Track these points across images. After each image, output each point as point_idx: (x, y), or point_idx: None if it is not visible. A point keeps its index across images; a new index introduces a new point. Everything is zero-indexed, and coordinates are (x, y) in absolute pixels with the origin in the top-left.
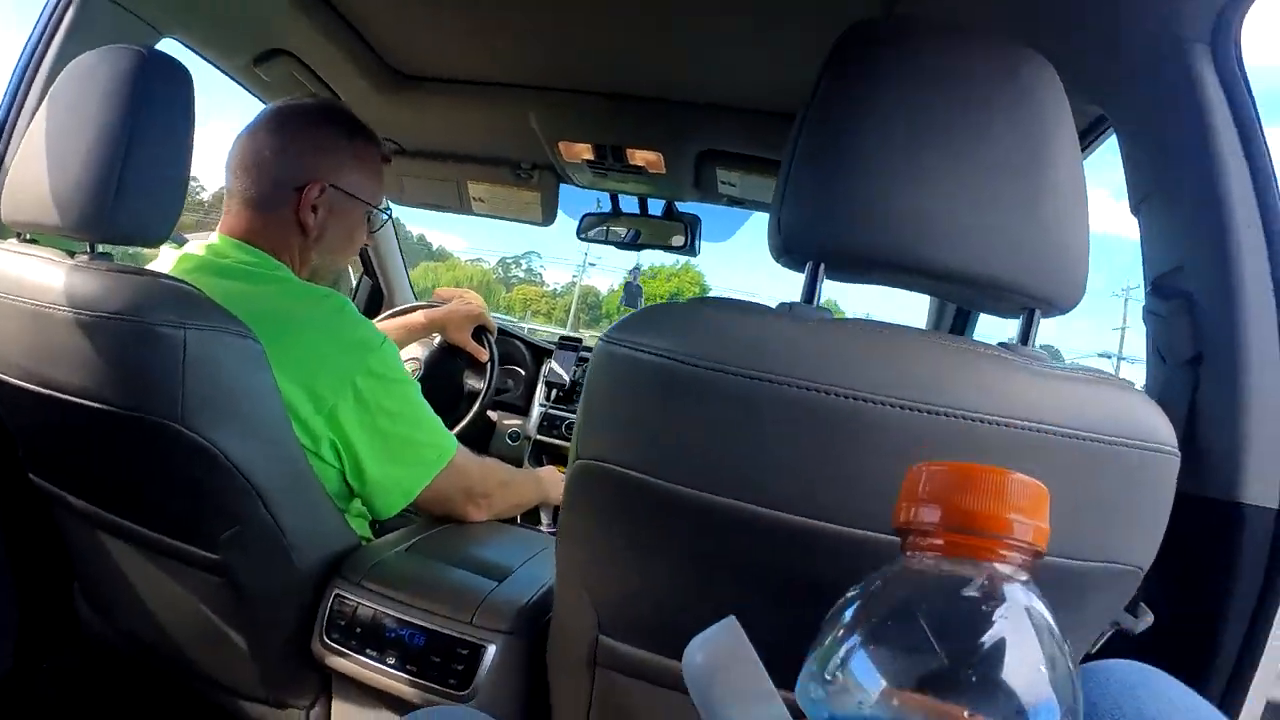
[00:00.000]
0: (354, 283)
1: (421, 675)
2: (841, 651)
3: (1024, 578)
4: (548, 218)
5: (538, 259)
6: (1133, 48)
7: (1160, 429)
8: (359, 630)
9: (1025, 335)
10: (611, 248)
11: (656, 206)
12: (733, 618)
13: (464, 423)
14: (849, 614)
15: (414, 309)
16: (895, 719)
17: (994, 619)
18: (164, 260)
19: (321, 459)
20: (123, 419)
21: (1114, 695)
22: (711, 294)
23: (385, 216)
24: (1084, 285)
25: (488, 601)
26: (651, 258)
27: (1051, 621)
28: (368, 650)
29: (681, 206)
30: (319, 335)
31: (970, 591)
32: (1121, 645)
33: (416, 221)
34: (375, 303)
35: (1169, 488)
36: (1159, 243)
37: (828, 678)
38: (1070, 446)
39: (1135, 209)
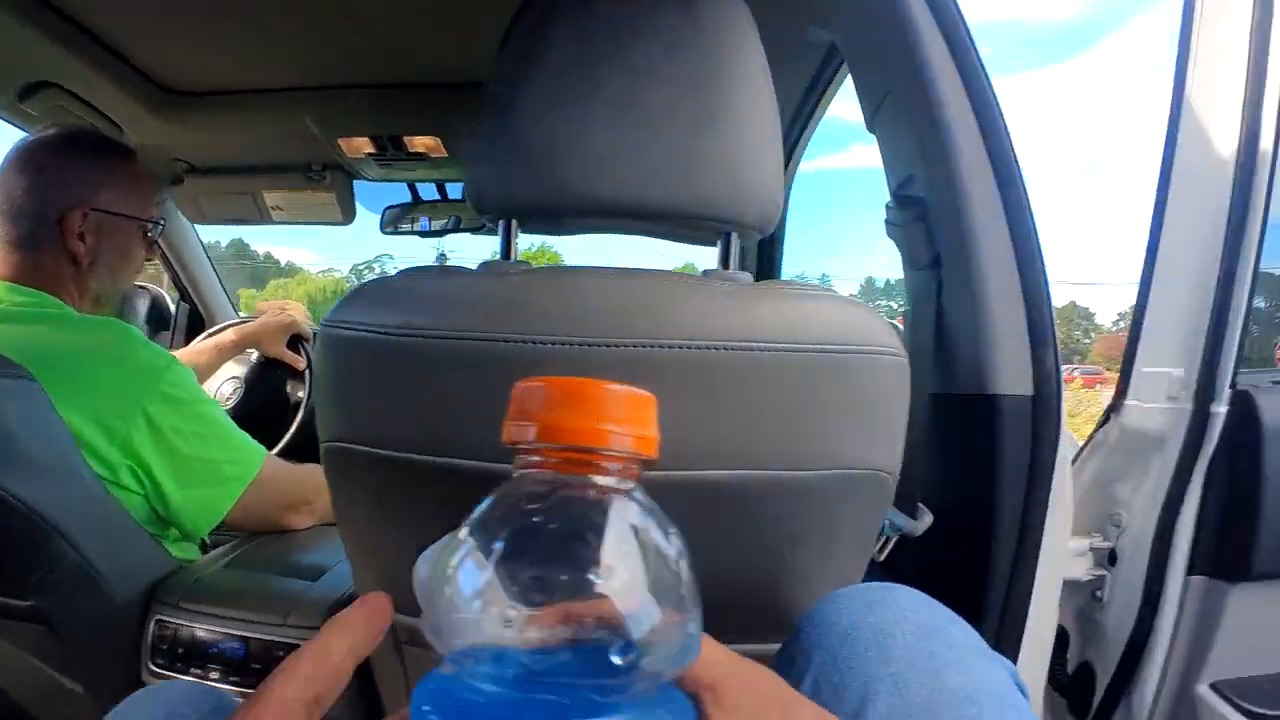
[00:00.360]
0: (173, 309)
1: (246, 685)
2: (453, 576)
3: (628, 486)
4: (347, 216)
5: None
6: None
7: (875, 332)
8: (181, 651)
9: (725, 259)
10: (463, 238)
11: (457, 190)
12: (453, 534)
13: (290, 433)
14: (461, 536)
15: (225, 328)
16: (505, 639)
17: (589, 531)
18: None
19: (123, 487)
20: None
21: (850, 616)
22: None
23: (160, 226)
24: (777, 205)
25: (301, 602)
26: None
27: (656, 528)
28: (192, 670)
29: None
30: (102, 365)
31: (567, 506)
32: (907, 547)
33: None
34: (196, 325)
35: (896, 389)
36: (892, 156)
37: (443, 606)
38: (779, 360)
39: (870, 127)
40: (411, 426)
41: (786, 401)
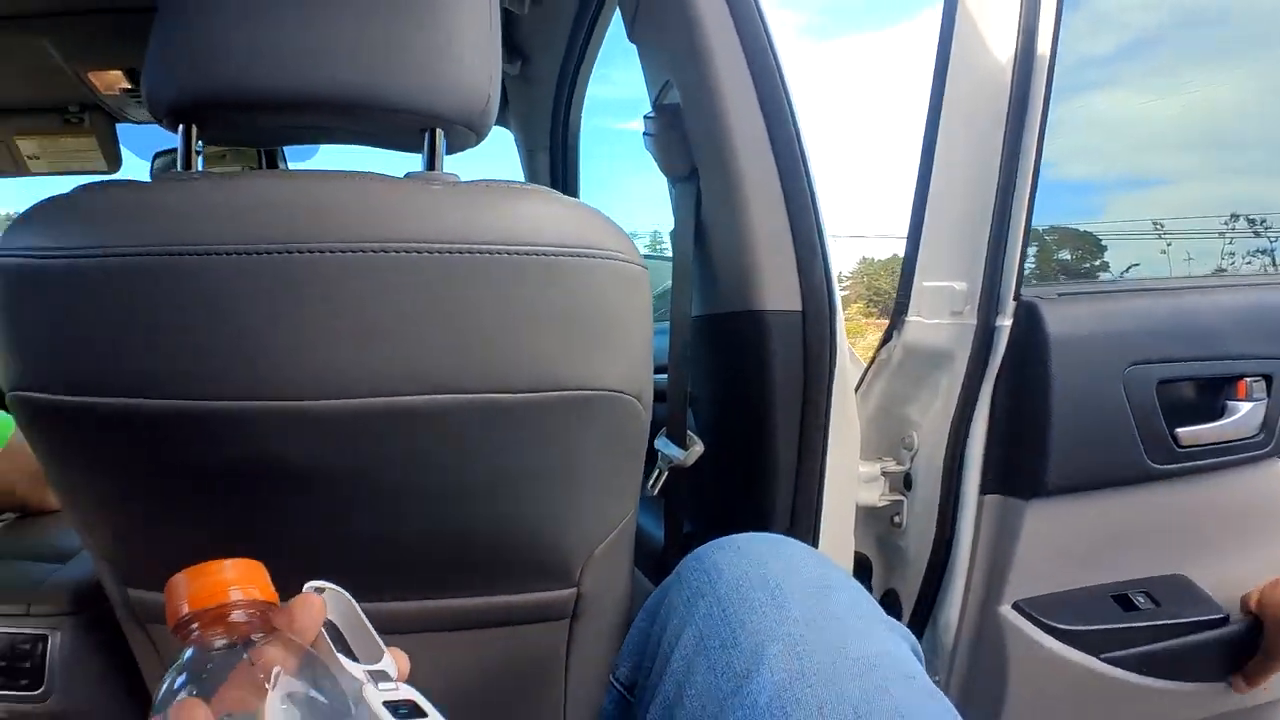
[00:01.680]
0: None
1: None
2: None
3: (259, 630)
4: (112, 164)
5: None
6: None
7: (603, 236)
8: None
9: (430, 160)
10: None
11: None
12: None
13: None
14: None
15: None
16: None
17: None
18: None
19: None
20: None
21: (742, 566)
22: None
23: None
24: (485, 97)
25: (45, 586)
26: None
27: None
28: None
29: None
30: None
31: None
32: (681, 478)
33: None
34: None
35: (632, 300)
36: (651, 64)
37: None
38: (481, 264)
39: (630, 36)
40: (82, 365)
41: (492, 313)
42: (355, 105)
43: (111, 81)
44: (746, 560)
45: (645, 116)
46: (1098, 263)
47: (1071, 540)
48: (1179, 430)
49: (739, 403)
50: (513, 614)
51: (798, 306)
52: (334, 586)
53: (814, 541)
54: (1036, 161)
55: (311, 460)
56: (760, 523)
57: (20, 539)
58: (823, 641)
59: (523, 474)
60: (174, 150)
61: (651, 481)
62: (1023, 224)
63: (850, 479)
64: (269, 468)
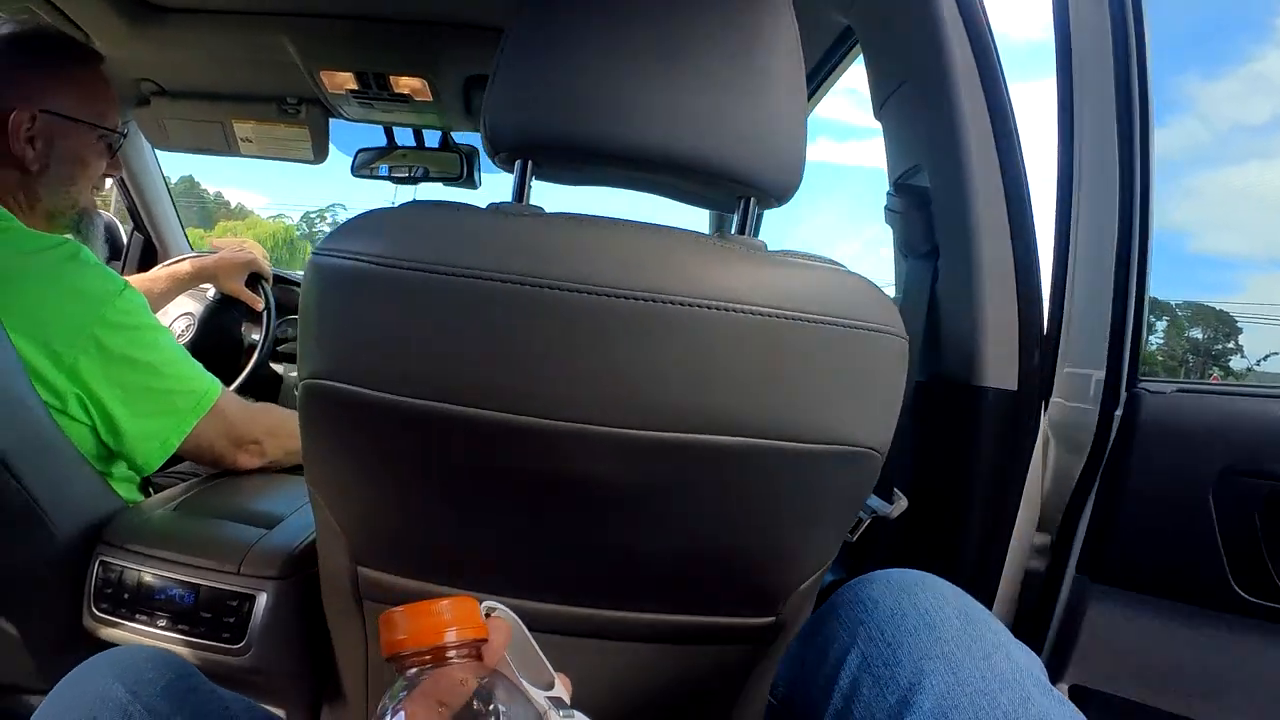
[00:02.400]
0: (125, 238)
1: (194, 634)
2: None
3: (478, 669)
4: (319, 155)
5: (343, 210)
6: None
7: (874, 309)
8: (127, 596)
9: (742, 224)
10: (421, 189)
11: (434, 139)
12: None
13: (243, 375)
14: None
15: (183, 260)
16: None
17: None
18: None
19: (70, 417)
20: None
21: (895, 594)
22: None
23: (122, 138)
24: (799, 173)
25: (255, 550)
26: (453, 196)
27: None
28: (138, 615)
29: (458, 137)
30: (50, 286)
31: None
32: (879, 530)
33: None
34: (149, 257)
35: (890, 368)
36: (898, 145)
37: None
38: (776, 327)
39: (877, 114)
40: (403, 366)
41: (790, 371)
42: (682, 166)
43: (340, 82)
44: (899, 591)
45: (889, 193)
46: (1230, 344)
47: (1138, 642)
48: None
49: (946, 466)
50: (708, 634)
51: (1014, 387)
52: (504, 608)
53: (990, 601)
54: (1143, 241)
55: (604, 479)
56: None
57: (227, 500)
58: (972, 659)
59: (775, 512)
60: (375, 148)
61: (854, 530)
62: (1133, 311)
63: (1025, 548)
64: (559, 481)
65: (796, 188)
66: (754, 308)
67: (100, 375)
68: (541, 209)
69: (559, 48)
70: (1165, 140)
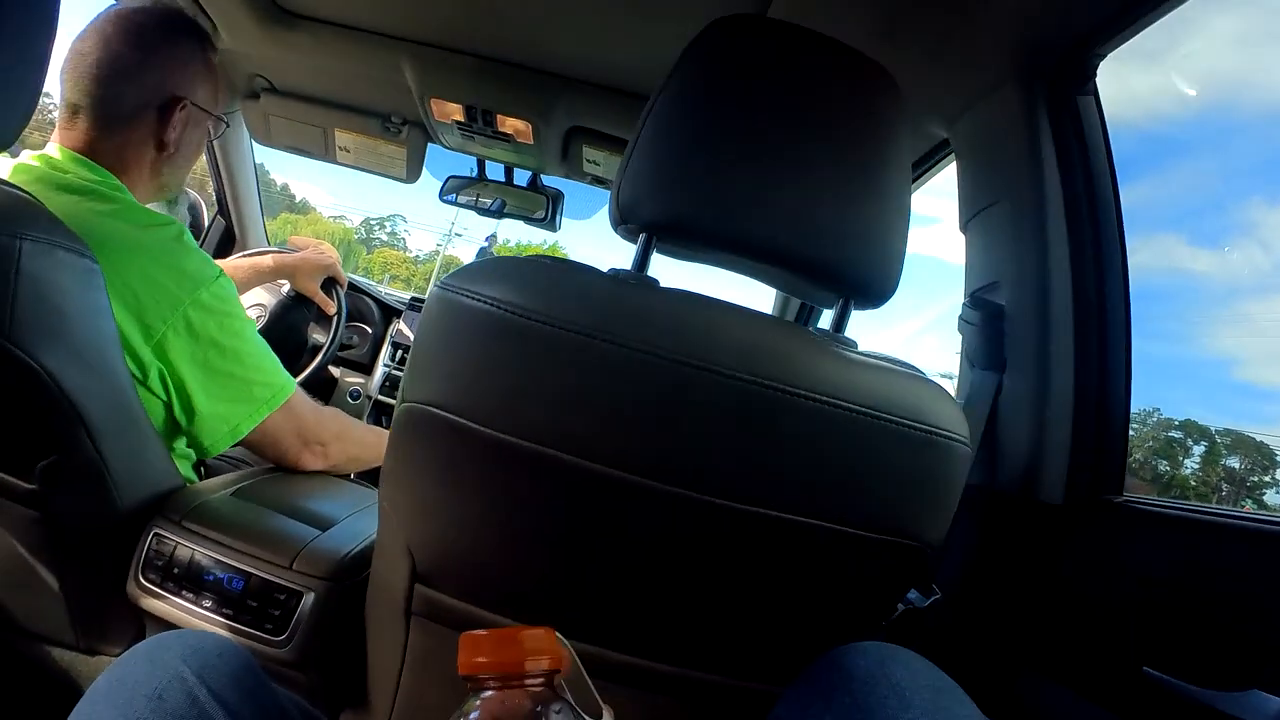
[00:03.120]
0: (207, 220)
1: (238, 619)
2: None
3: (549, 697)
4: (412, 175)
5: (402, 222)
6: (979, 81)
7: (951, 418)
8: (176, 571)
9: (839, 322)
10: (477, 217)
11: (522, 177)
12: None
13: (304, 375)
14: None
15: (265, 253)
16: None
17: None
18: None
19: (149, 389)
20: None
21: (868, 667)
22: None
23: (225, 125)
24: (896, 281)
25: (309, 549)
26: (519, 234)
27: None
28: (184, 592)
29: (546, 180)
30: (153, 262)
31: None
32: (912, 619)
33: (280, 169)
34: (226, 244)
35: (956, 474)
36: (980, 259)
37: None
38: (865, 424)
39: (963, 227)
40: (520, 409)
41: (875, 465)
42: (785, 261)
43: (448, 111)
44: (875, 662)
45: (965, 303)
46: (1266, 477)
47: None
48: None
49: (984, 570)
50: (736, 695)
51: (1060, 500)
52: (561, 637)
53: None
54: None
55: (684, 540)
56: (966, 681)
57: (284, 495)
58: None
59: (827, 590)
60: (464, 177)
61: (890, 616)
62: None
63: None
64: (641, 536)
65: (892, 294)
66: (847, 404)
67: (186, 354)
68: (657, 280)
69: (697, 137)
70: (1219, 264)
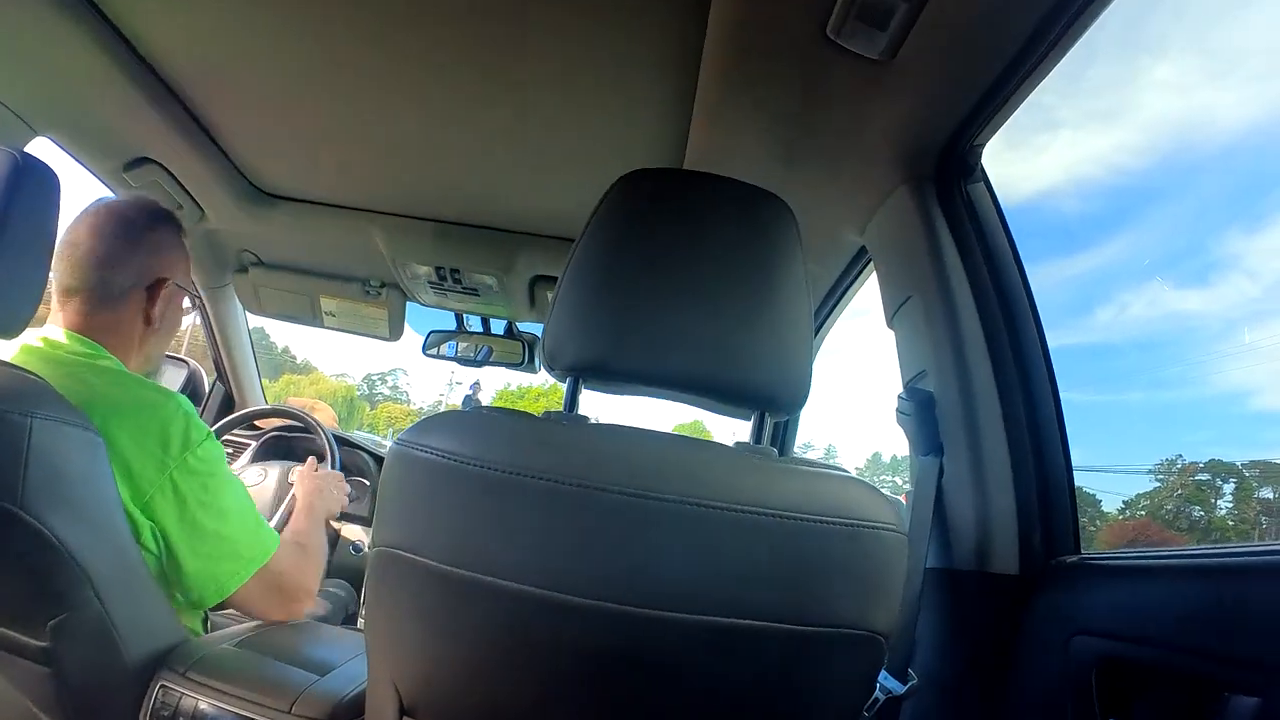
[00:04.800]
0: (207, 387)
1: None
2: None
3: None
4: (395, 333)
5: (404, 375)
6: (876, 189)
7: (874, 509)
8: None
9: (757, 434)
10: (475, 368)
11: (499, 326)
12: None
13: None
14: None
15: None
16: None
17: None
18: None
19: (144, 547)
20: None
21: None
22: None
23: (200, 299)
24: (806, 390)
25: (307, 693)
26: (518, 378)
27: None
28: None
29: (522, 325)
30: (141, 426)
31: None
32: (894, 708)
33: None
34: (226, 407)
35: (890, 561)
36: (907, 352)
37: None
38: (793, 527)
39: (889, 323)
40: (468, 544)
41: (804, 564)
42: (712, 390)
43: (419, 272)
44: None
45: (900, 396)
46: None
47: None
48: None
49: (954, 648)
50: None
51: (1016, 570)
52: None
53: None
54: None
55: (632, 653)
56: None
57: (285, 643)
58: None
59: (787, 686)
60: (443, 331)
61: (867, 706)
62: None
63: None
64: (593, 653)
65: (803, 404)
66: (765, 510)
67: (173, 514)
68: (588, 418)
69: (610, 283)
70: (1208, 300)
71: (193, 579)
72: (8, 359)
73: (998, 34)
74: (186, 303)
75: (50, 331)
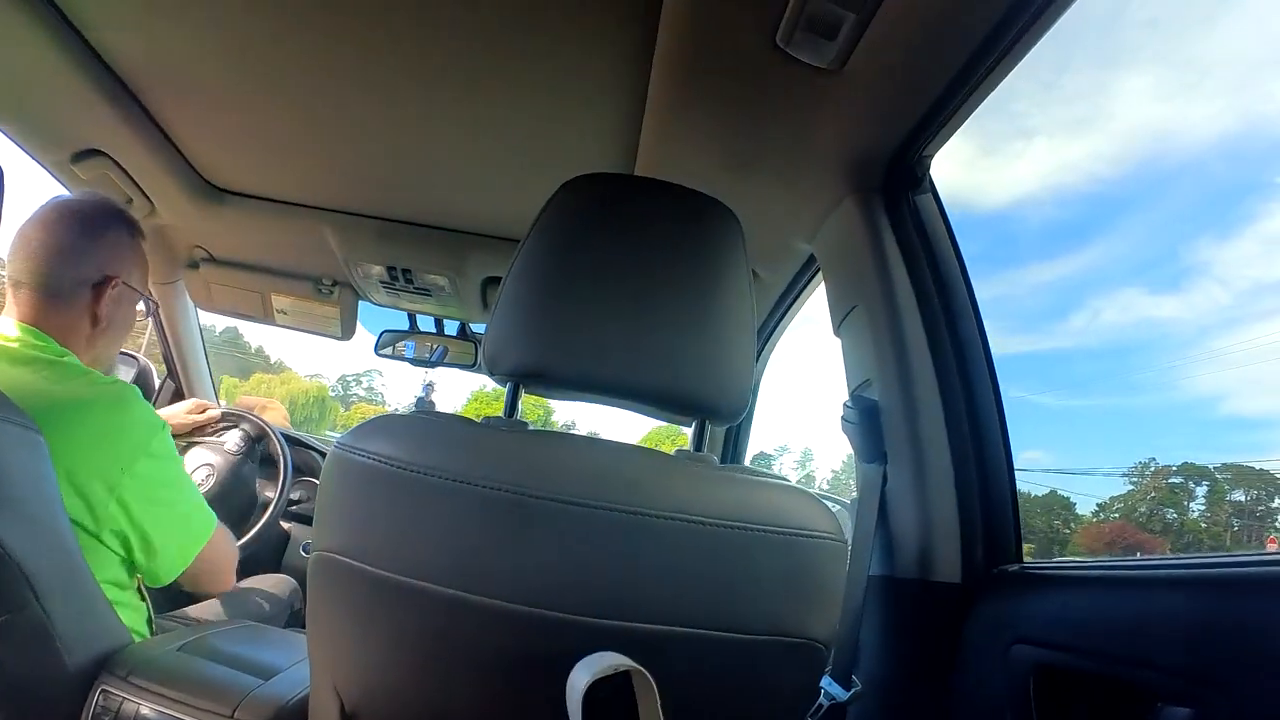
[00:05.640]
0: (156, 383)
1: None
2: None
3: None
4: (347, 333)
5: (379, 376)
6: (825, 198)
7: (812, 518)
8: None
9: (698, 441)
10: (428, 368)
11: (452, 327)
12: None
13: (255, 530)
14: None
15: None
16: None
17: None
18: None
19: (103, 543)
20: None
21: None
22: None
23: (154, 305)
24: (746, 399)
25: (250, 698)
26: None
27: None
28: None
29: (475, 327)
30: (105, 418)
31: None
32: (838, 715)
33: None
34: (176, 401)
35: (828, 569)
36: (853, 361)
37: None
38: (727, 535)
39: (836, 331)
40: (405, 549)
41: (739, 572)
42: (651, 397)
43: (371, 271)
44: None
45: (845, 404)
46: (1275, 503)
47: None
48: None
49: (897, 655)
50: None
51: (958, 579)
52: None
53: None
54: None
55: (567, 660)
56: None
57: (228, 647)
58: None
59: (729, 694)
60: (396, 331)
61: (811, 712)
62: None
63: None
64: (527, 658)
65: (743, 412)
66: (701, 518)
67: (142, 495)
68: (528, 424)
69: (551, 289)
70: (1180, 307)
71: (160, 553)
72: None
73: (947, 45)
74: (141, 306)
75: (2, 324)
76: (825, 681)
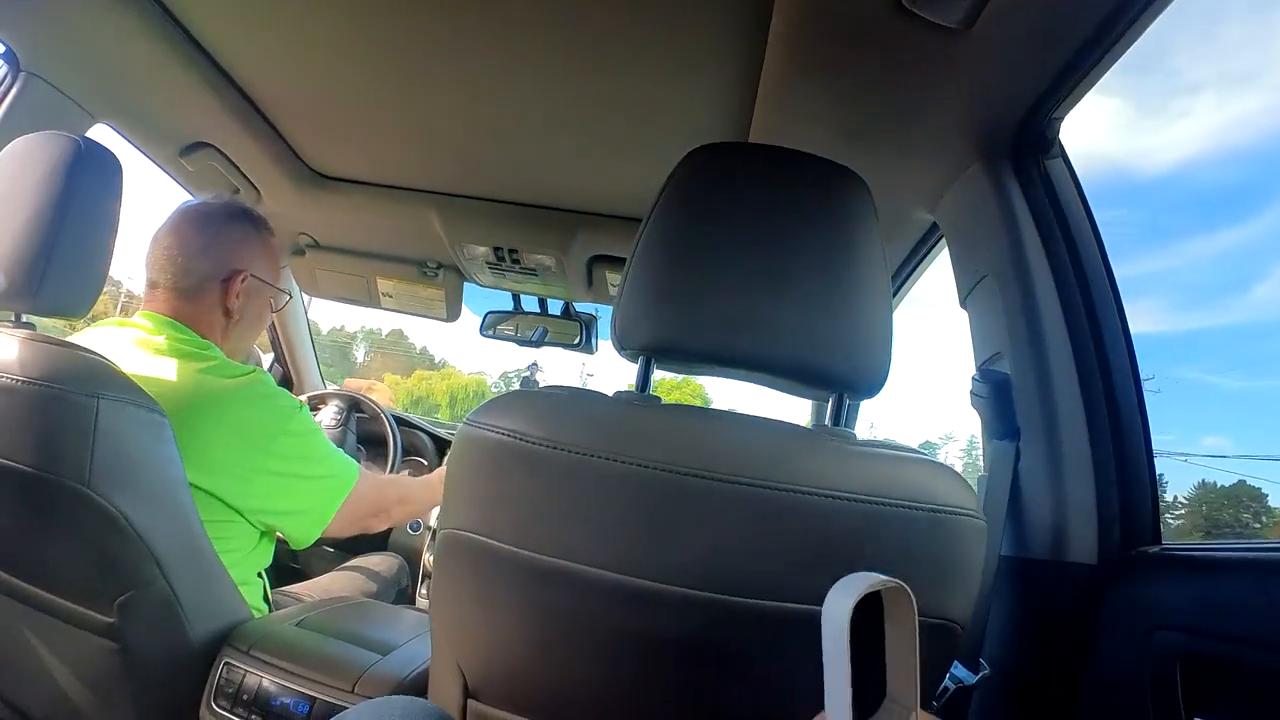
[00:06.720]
0: (265, 366)
1: None
2: None
3: None
4: (452, 315)
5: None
6: (949, 164)
7: (955, 494)
8: (245, 698)
9: (836, 416)
10: (532, 348)
11: (556, 306)
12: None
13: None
14: None
15: (319, 397)
16: None
17: None
18: (88, 337)
19: (245, 519)
20: (30, 479)
21: None
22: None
23: (287, 297)
24: (886, 372)
25: (369, 673)
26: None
27: None
28: (253, 717)
29: (579, 306)
30: (249, 405)
31: None
32: (964, 698)
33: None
34: (285, 388)
35: (969, 548)
36: (981, 334)
37: None
38: (867, 511)
39: (962, 304)
40: (540, 527)
41: (882, 550)
42: (777, 370)
43: (477, 253)
44: None
45: (973, 378)
46: None
47: None
48: None
49: (1028, 638)
50: None
51: (1094, 561)
52: None
53: None
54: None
55: (704, 639)
56: None
57: (346, 624)
58: None
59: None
60: (500, 311)
61: (936, 695)
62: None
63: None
64: (661, 638)
65: (883, 385)
66: (845, 494)
67: (280, 470)
68: (659, 399)
69: (681, 260)
70: None
71: (298, 518)
72: (94, 342)
73: None
74: (274, 301)
75: (138, 319)
76: (953, 664)
